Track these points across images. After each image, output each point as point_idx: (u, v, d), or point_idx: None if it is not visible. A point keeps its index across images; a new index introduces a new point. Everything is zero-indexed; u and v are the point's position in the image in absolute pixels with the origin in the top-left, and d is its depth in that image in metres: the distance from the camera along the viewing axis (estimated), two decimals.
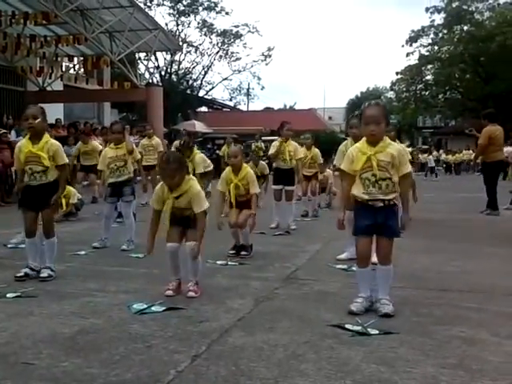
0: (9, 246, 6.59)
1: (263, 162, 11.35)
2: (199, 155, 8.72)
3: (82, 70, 21.56)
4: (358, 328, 3.56)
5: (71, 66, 21.98)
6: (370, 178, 3.87)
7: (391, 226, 3.89)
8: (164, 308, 4.00)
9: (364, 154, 3.90)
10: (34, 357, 3.10)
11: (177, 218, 4.48)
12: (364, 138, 4.01)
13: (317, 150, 10.20)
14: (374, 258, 4.07)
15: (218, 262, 5.65)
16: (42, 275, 4.91)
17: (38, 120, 4.90)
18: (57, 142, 5.15)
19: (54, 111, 19.60)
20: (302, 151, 8.96)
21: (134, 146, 7.44)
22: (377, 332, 3.50)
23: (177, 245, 4.47)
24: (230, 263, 5.66)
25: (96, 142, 11.55)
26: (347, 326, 3.60)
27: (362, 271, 4.01)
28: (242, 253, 6.03)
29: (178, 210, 4.46)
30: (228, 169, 6.16)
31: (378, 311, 3.86)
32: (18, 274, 4.92)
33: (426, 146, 40.18)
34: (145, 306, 4.04)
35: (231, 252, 6.09)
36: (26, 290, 4.50)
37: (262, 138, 23.06)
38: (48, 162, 4.91)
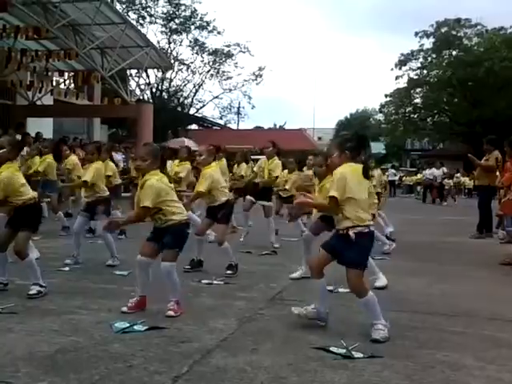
0: None
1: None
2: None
3: (73, 85, 21.55)
4: (343, 351, 3.53)
5: (62, 80, 21.96)
6: None
7: (346, 255, 3.84)
8: (146, 327, 3.95)
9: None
10: (12, 375, 3.04)
11: (156, 231, 4.51)
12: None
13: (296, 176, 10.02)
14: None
15: (203, 281, 5.60)
16: (30, 292, 4.82)
17: (3, 151, 4.94)
18: (5, 175, 4.84)
19: (44, 126, 19.54)
20: (279, 172, 8.78)
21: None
22: (361, 355, 3.47)
23: (146, 259, 4.43)
24: (214, 282, 5.62)
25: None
26: (331, 348, 3.57)
27: (313, 282, 4.11)
28: (227, 272, 5.98)
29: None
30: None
31: (370, 335, 3.82)
32: None
33: (413, 169, 40.39)
34: (127, 324, 3.99)
35: (187, 267, 6.02)
36: (7, 306, 4.42)
37: (252, 156, 23.03)
38: None
